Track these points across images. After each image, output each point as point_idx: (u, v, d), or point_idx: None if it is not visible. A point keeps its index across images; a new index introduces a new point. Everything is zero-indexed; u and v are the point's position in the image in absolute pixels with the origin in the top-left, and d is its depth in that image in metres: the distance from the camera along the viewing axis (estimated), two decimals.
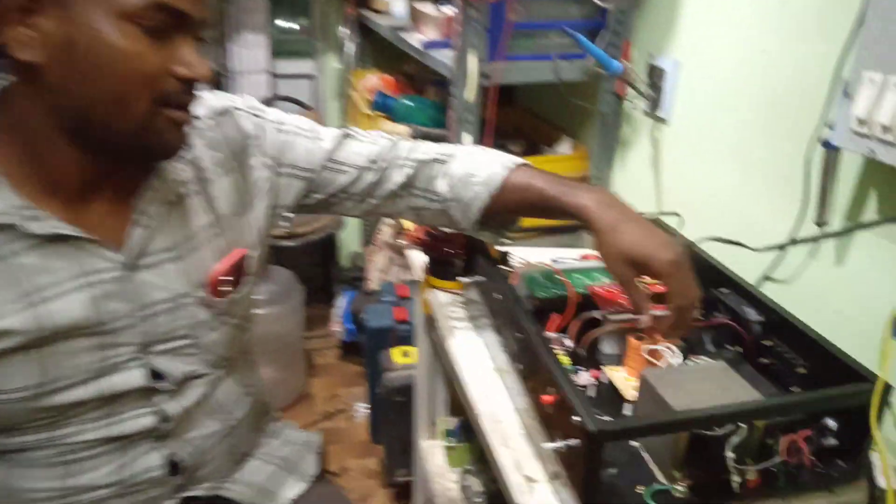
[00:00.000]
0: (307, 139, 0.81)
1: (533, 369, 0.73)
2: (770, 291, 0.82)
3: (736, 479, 0.63)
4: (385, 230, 1.98)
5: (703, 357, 0.76)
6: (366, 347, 1.57)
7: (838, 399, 0.63)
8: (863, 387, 0.62)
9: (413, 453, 1.39)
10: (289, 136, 0.79)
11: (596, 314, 0.82)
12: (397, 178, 0.83)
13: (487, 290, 0.92)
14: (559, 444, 0.62)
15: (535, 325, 0.74)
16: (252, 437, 0.86)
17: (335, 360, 2.27)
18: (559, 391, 0.63)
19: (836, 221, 0.80)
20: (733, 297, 0.83)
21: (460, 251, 0.97)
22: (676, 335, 0.74)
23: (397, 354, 1.48)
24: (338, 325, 2.16)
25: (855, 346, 0.69)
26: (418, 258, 1.12)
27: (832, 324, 0.80)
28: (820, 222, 0.80)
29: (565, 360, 0.80)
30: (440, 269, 1.02)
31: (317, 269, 2.45)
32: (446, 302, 1.01)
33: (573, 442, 0.61)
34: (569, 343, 0.82)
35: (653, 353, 0.77)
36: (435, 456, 1.28)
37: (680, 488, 0.64)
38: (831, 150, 0.76)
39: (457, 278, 0.98)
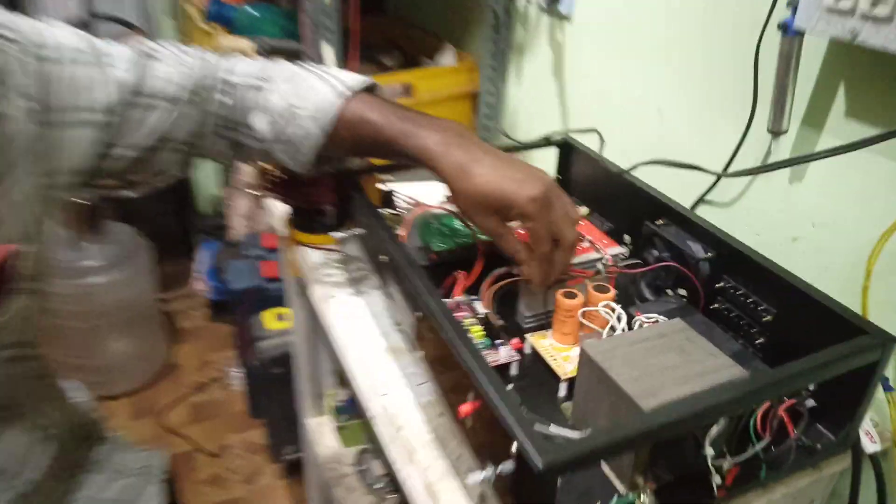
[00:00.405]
0: (90, 66, 0.53)
1: (438, 353, 0.54)
2: (711, 220, 0.66)
3: (716, 478, 0.48)
4: (246, 168, 1.69)
5: (650, 314, 0.60)
6: (232, 312, 1.32)
7: (848, 361, 0.48)
8: (868, 342, 0.48)
9: (300, 430, 1.19)
10: (61, 66, 0.52)
11: (515, 270, 0.64)
12: (217, 109, 0.60)
13: (370, 246, 0.71)
14: (488, 472, 0.44)
15: (434, 293, 0.54)
16: (62, 488, 0.62)
17: (203, 321, 1.99)
18: (480, 396, 0.45)
19: (794, 129, 0.65)
20: (673, 230, 0.68)
21: (329, 196, 0.75)
22: (554, 286, 0.61)
23: (270, 319, 1.24)
24: (201, 283, 1.87)
25: (815, 278, 0.56)
26: (278, 207, 0.88)
27: (788, 255, 0.67)
28: (775, 131, 0.64)
29: (478, 332, 0.61)
30: (306, 220, 0.79)
31: (170, 218, 2.12)
32: (319, 262, 0.79)
33: (507, 467, 0.43)
34: (481, 308, 0.63)
35: (589, 314, 0.60)
36: (325, 436, 1.09)
37: (646, 499, 0.48)
38: (792, 37, 0.60)
39: (329, 232, 0.76)
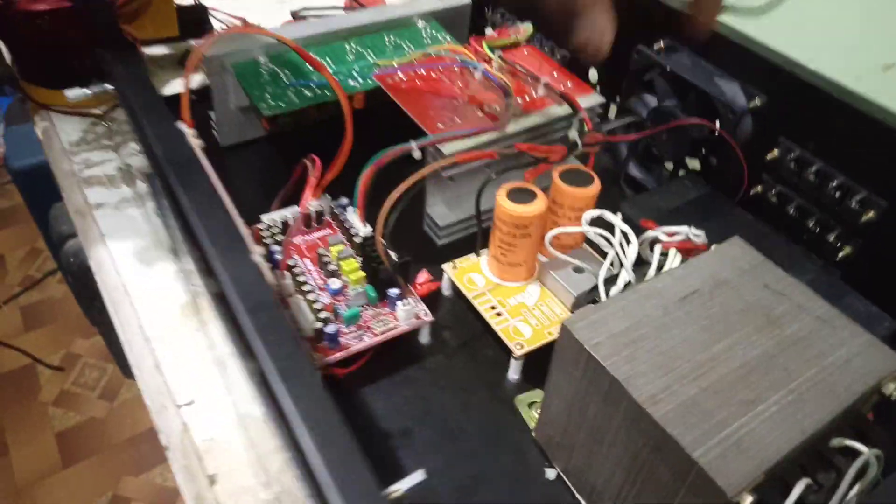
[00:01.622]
0: None
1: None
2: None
3: None
4: None
5: (674, 231, 0.32)
6: (23, 199, 0.96)
7: None
8: None
9: None
10: None
11: (413, 146, 0.33)
12: None
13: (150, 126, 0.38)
14: None
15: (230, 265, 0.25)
16: None
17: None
18: None
19: None
20: (686, 59, 0.39)
21: (64, 19, 0.40)
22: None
23: None
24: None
25: None
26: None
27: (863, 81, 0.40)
28: None
29: (354, 273, 0.32)
30: (40, 63, 0.44)
31: None
32: (76, 141, 0.46)
33: None
34: (357, 222, 0.34)
35: (562, 235, 0.31)
36: None
37: None
38: None
39: (74, 85, 0.42)
